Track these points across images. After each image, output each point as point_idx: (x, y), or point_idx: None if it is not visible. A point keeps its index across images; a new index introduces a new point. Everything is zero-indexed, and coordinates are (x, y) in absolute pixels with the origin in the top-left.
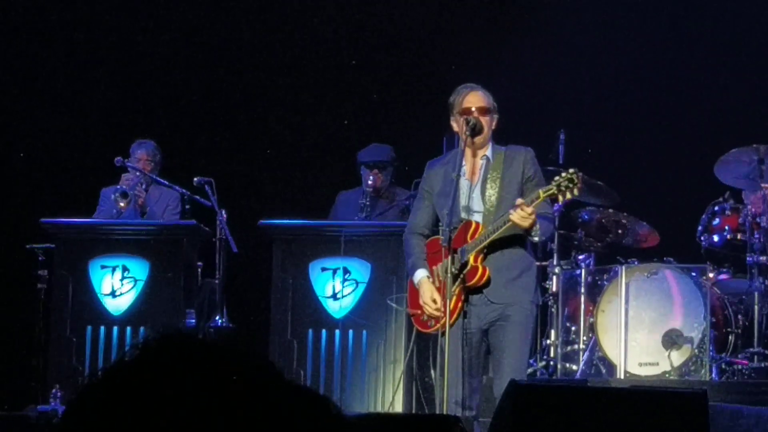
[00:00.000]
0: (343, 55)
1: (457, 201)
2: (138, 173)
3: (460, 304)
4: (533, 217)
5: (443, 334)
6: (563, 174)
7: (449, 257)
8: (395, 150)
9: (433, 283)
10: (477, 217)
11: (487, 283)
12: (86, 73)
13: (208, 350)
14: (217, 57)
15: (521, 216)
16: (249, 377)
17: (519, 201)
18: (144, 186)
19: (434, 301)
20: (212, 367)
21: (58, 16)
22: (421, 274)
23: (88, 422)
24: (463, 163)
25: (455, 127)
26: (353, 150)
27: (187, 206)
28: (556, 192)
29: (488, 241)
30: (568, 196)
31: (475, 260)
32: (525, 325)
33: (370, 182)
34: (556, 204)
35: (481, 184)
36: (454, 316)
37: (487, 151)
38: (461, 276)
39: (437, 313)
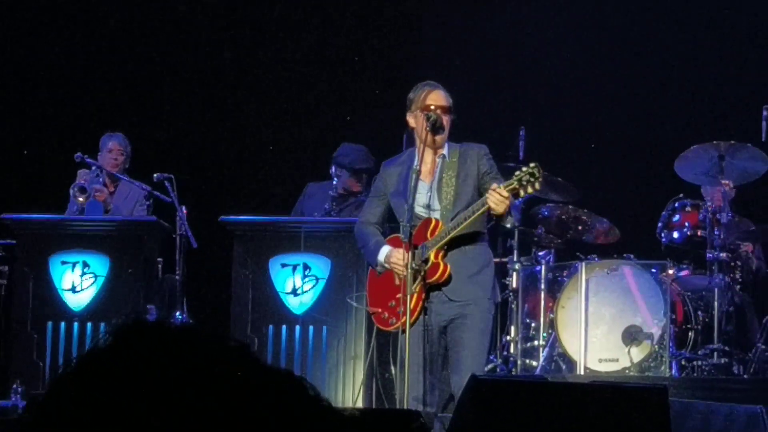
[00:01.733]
0: (303, 51)
1: (414, 200)
2: (94, 168)
3: (421, 302)
4: (508, 201)
5: (404, 331)
6: (524, 168)
7: (409, 252)
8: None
9: (392, 281)
10: (435, 215)
11: (448, 280)
12: (47, 69)
13: (182, 335)
14: (177, 54)
15: (498, 199)
16: (225, 361)
17: (494, 185)
18: (102, 180)
19: (403, 258)
20: (187, 351)
21: (19, 13)
22: (385, 250)
23: (65, 411)
24: (418, 160)
25: (412, 123)
26: (314, 146)
27: (148, 203)
28: (517, 186)
29: (450, 236)
30: (530, 190)
31: (436, 257)
32: (483, 323)
33: (355, 188)
34: (517, 200)
35: (437, 182)
36: (415, 314)
37: (444, 149)
38: (422, 273)
39: (402, 271)
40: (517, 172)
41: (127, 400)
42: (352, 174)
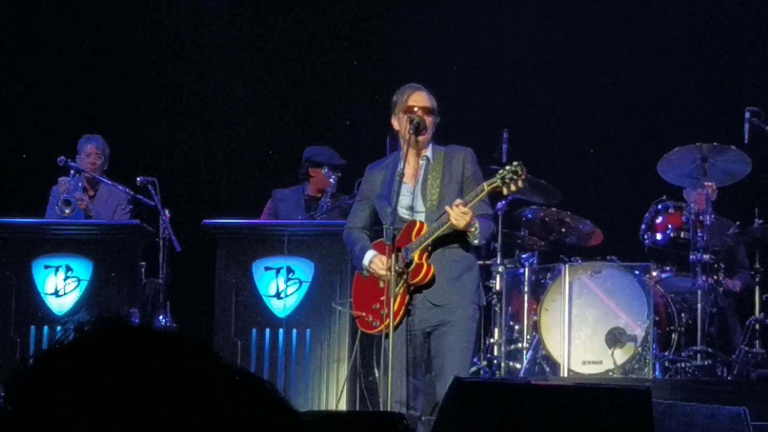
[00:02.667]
0: (286, 55)
1: (399, 201)
2: (75, 174)
3: (404, 305)
4: (468, 216)
5: (387, 335)
6: (507, 167)
7: (392, 255)
8: (341, 150)
9: (377, 284)
10: (420, 217)
11: (432, 281)
12: (27, 70)
13: (143, 334)
14: (160, 57)
15: (456, 214)
16: (185, 360)
17: (457, 201)
18: (81, 186)
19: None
20: (147, 349)
21: (0, 17)
22: (370, 255)
23: (24, 407)
24: (403, 163)
25: (396, 125)
26: (297, 149)
27: (130, 206)
28: (500, 185)
29: (431, 239)
30: (513, 188)
31: (420, 258)
32: (467, 329)
33: (332, 182)
34: (500, 202)
35: (422, 184)
36: (399, 316)
37: (428, 151)
38: (405, 274)
39: (386, 276)
40: (501, 171)
41: (85, 398)
42: (330, 170)
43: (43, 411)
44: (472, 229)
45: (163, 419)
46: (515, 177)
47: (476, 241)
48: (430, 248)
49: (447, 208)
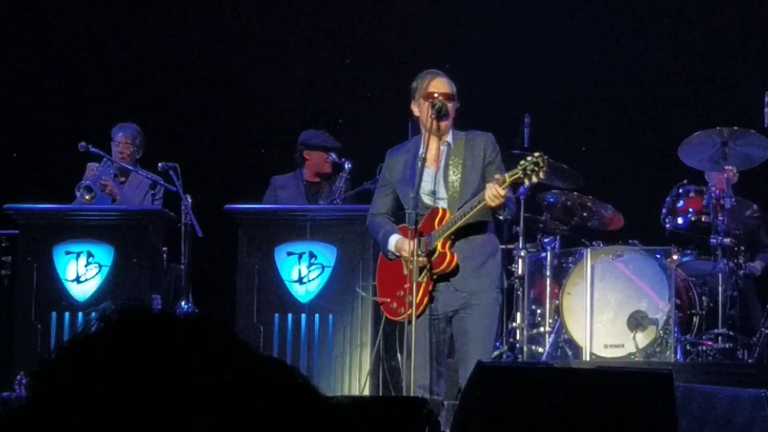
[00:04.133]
0: (307, 39)
1: (420, 187)
2: (104, 159)
3: (428, 293)
4: (502, 198)
5: (410, 321)
6: (528, 158)
7: (416, 239)
8: (362, 135)
9: (401, 271)
10: (441, 204)
11: (456, 270)
12: (53, 58)
13: (170, 321)
14: (181, 43)
15: (493, 195)
16: (212, 347)
17: (497, 176)
18: (113, 172)
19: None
20: (175, 337)
21: (26, 3)
22: (394, 239)
23: (51, 396)
24: (424, 147)
25: (416, 112)
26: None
27: (153, 192)
28: (521, 176)
29: (456, 226)
30: (534, 179)
31: (443, 247)
32: (490, 313)
33: (326, 170)
34: (522, 186)
35: (443, 170)
36: (422, 305)
37: (448, 137)
38: (429, 262)
39: (410, 260)
40: (522, 162)
41: (114, 387)
42: (324, 152)
43: (69, 400)
44: (501, 210)
45: (191, 407)
46: (536, 168)
47: (502, 218)
48: (452, 237)
49: (485, 189)
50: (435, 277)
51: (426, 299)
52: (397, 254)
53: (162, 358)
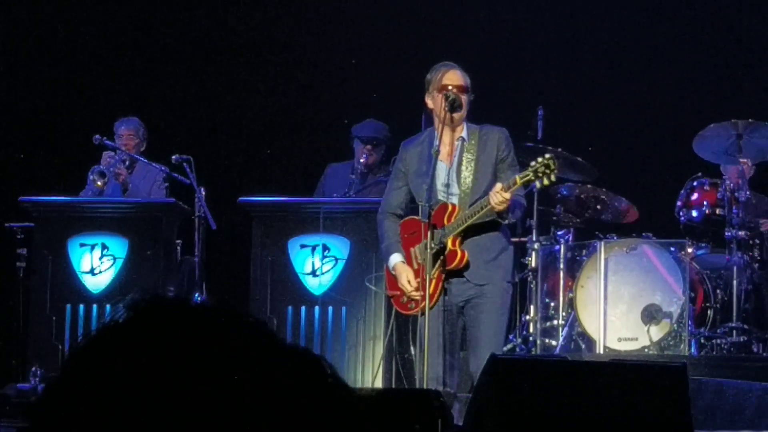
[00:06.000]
0: (322, 31)
1: (434, 180)
2: (118, 150)
3: (440, 288)
4: (507, 203)
5: (423, 314)
6: (539, 159)
7: (429, 233)
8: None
9: (411, 265)
10: (453, 200)
11: (466, 267)
12: (65, 50)
13: (200, 311)
14: (195, 34)
15: (499, 200)
16: (242, 337)
17: (498, 186)
18: (127, 163)
19: (410, 283)
20: (204, 327)
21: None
22: (395, 259)
23: (81, 384)
24: (438, 140)
25: (430, 104)
26: (333, 126)
27: (166, 184)
28: (533, 178)
29: (466, 225)
30: (545, 182)
31: (453, 244)
32: (501, 303)
33: (363, 159)
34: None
35: (456, 165)
36: (434, 299)
37: (462, 132)
38: (441, 258)
39: (416, 294)
40: (533, 163)
41: (144, 376)
42: (360, 142)
43: (100, 389)
44: (505, 215)
45: (224, 396)
46: (548, 171)
47: (506, 222)
48: (462, 234)
49: (490, 194)
50: (446, 273)
51: (437, 294)
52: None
53: (193, 348)
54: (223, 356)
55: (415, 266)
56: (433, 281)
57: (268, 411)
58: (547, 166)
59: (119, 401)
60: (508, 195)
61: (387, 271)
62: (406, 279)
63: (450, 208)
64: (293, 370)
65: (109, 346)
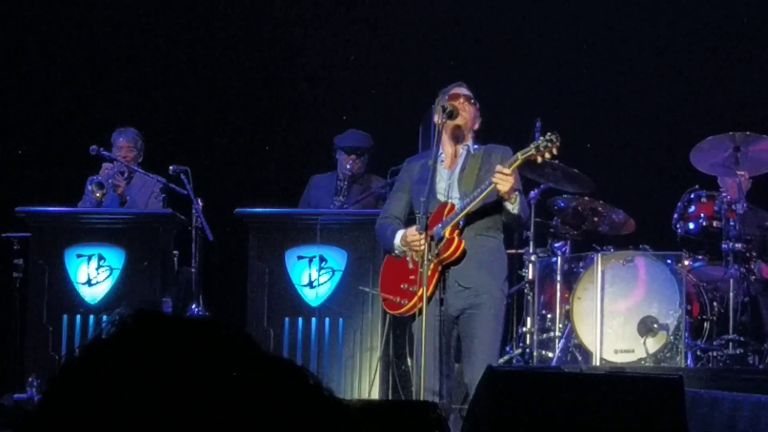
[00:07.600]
0: (318, 44)
1: (434, 188)
2: (115, 161)
3: (436, 276)
4: (512, 180)
5: (420, 313)
6: (542, 137)
7: (425, 244)
8: (372, 137)
9: (407, 265)
10: (454, 202)
11: (462, 256)
12: (62, 62)
13: (185, 324)
14: (192, 46)
15: (501, 177)
16: (226, 349)
17: (498, 167)
18: (126, 175)
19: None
20: (189, 340)
21: (33, 7)
22: (402, 232)
23: (68, 400)
24: (441, 150)
25: (437, 120)
26: (329, 137)
27: (163, 195)
28: (534, 153)
29: (465, 212)
30: (547, 156)
31: (451, 233)
32: (495, 313)
33: (348, 168)
34: (533, 191)
35: (459, 173)
36: (431, 287)
37: (468, 142)
38: (437, 248)
39: (420, 247)
40: (535, 142)
41: (130, 390)
42: (343, 152)
43: (86, 404)
44: (513, 196)
45: (207, 410)
46: (549, 144)
47: (515, 211)
48: (461, 224)
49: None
50: (442, 264)
51: (434, 282)
52: (405, 248)
53: (177, 362)
54: (205, 370)
55: (411, 265)
56: (429, 272)
57: (252, 423)
58: (549, 141)
59: (104, 418)
60: (508, 170)
61: (381, 274)
62: (414, 233)
63: (449, 205)
64: (276, 381)
65: (95, 363)
